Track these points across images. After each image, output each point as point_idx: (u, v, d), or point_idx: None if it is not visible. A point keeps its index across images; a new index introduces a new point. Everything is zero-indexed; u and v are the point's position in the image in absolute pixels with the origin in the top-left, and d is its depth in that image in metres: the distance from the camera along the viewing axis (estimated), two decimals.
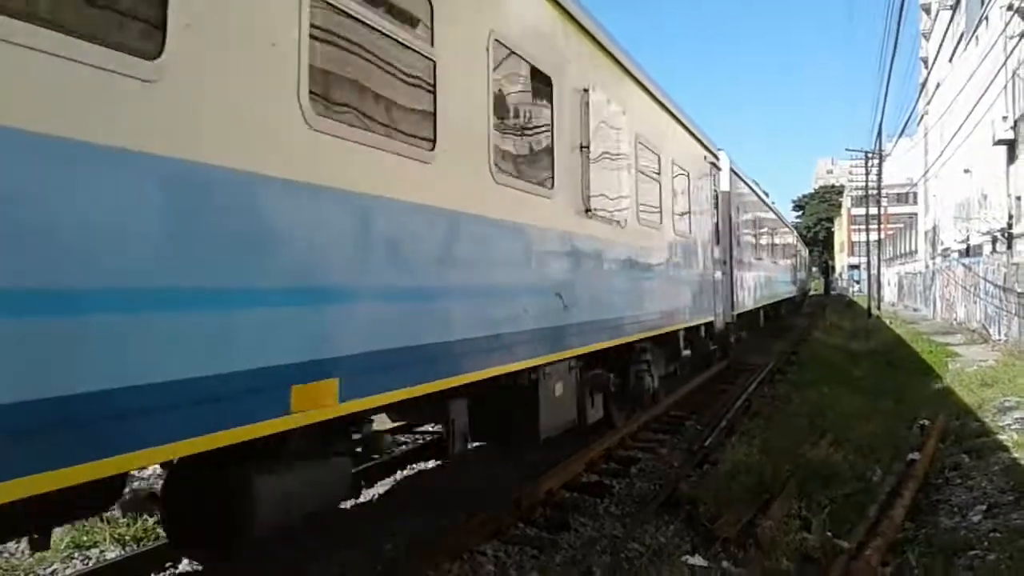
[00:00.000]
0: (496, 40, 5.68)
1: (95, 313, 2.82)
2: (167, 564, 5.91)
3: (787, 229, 36.20)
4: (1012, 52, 26.46)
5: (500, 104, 5.85)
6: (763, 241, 24.63)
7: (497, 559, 6.09)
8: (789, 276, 35.02)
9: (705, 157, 13.81)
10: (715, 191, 14.81)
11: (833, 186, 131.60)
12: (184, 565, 5.96)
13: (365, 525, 6.80)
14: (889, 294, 56.37)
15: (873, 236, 48.09)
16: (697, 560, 5.97)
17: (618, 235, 8.49)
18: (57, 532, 6.59)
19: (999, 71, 27.55)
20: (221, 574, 5.86)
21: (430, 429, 9.74)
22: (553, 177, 6.74)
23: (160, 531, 6.55)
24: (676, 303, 11.16)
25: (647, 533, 6.63)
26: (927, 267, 45.69)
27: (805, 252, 56.08)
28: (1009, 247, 28.34)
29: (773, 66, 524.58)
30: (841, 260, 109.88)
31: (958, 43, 38.15)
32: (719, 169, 15.56)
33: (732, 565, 5.88)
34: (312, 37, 3.83)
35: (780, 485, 7.36)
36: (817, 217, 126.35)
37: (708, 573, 5.76)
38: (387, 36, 4.44)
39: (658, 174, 10.16)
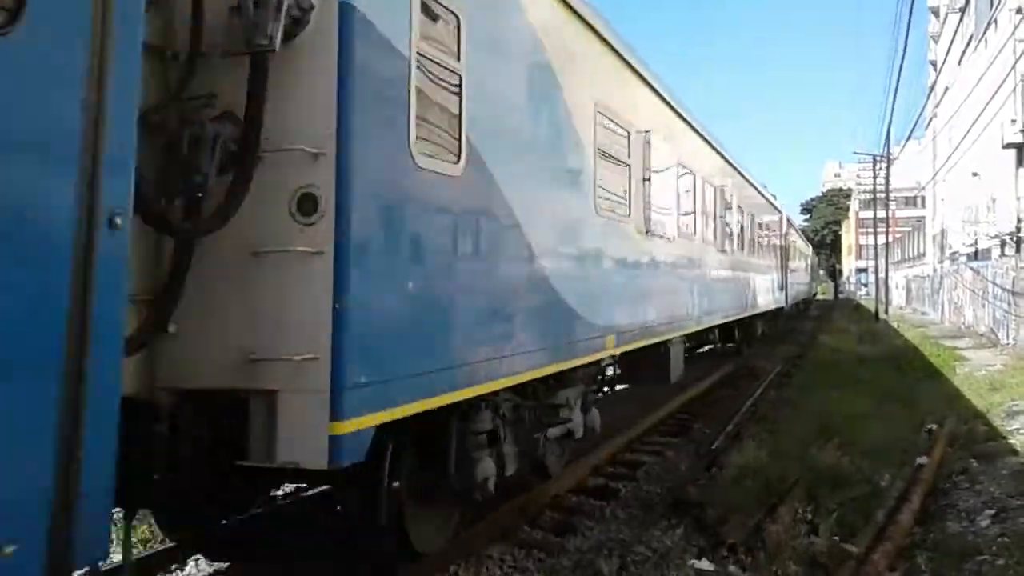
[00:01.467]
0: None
1: None
2: (173, 567, 5.92)
3: (762, 200, 22.17)
4: (1021, 55, 26.36)
5: None
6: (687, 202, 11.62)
7: (503, 562, 6.09)
8: (768, 281, 22.13)
9: None
10: None
11: (841, 189, 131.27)
12: (191, 567, 5.97)
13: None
14: (897, 298, 56.18)
15: (881, 240, 47.93)
16: (704, 564, 5.95)
17: None
18: None
19: (1008, 74, 27.41)
20: (228, 574, 5.87)
21: None
22: None
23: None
24: None
25: (654, 537, 6.61)
26: (935, 271, 45.51)
27: (808, 249, 46.78)
28: (1018, 251, 28.19)
29: (781, 69, 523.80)
30: (849, 264, 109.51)
31: (967, 46, 38.05)
32: None
33: (739, 569, 5.87)
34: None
35: (787, 489, 7.34)
36: (825, 220, 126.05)
37: None
38: None
39: None
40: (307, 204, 4.07)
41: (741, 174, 17.69)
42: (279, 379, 4.02)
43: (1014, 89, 28.53)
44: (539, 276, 6.31)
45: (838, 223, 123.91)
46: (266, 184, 4.10)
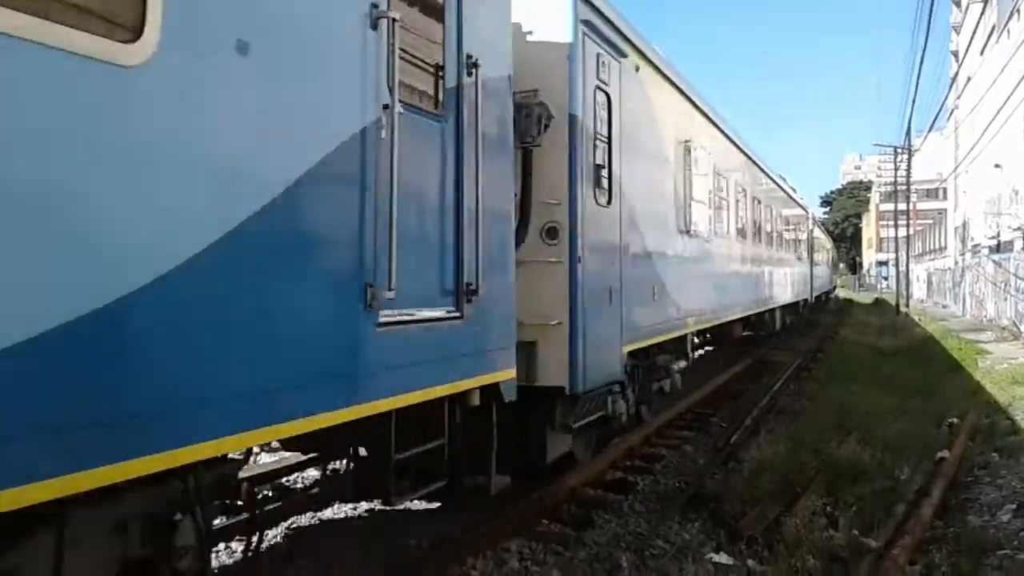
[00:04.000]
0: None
1: None
2: None
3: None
4: None
5: None
6: None
7: (522, 555, 6.11)
8: None
9: None
10: None
11: (861, 182, 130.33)
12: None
13: (391, 521, 6.84)
14: (918, 291, 55.67)
15: (902, 232, 47.49)
16: (722, 558, 5.95)
17: None
18: None
19: None
20: (245, 574, 5.92)
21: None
22: None
23: None
24: None
25: (672, 530, 6.61)
26: (957, 263, 45.08)
27: (804, 225, 30.91)
28: None
29: (801, 60, 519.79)
30: (869, 257, 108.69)
31: (989, 36, 37.61)
32: None
33: (757, 563, 5.86)
34: None
35: (806, 483, 7.31)
36: (845, 213, 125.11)
37: (733, 571, 5.74)
38: None
39: None
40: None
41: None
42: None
43: None
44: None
45: (858, 216, 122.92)
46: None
